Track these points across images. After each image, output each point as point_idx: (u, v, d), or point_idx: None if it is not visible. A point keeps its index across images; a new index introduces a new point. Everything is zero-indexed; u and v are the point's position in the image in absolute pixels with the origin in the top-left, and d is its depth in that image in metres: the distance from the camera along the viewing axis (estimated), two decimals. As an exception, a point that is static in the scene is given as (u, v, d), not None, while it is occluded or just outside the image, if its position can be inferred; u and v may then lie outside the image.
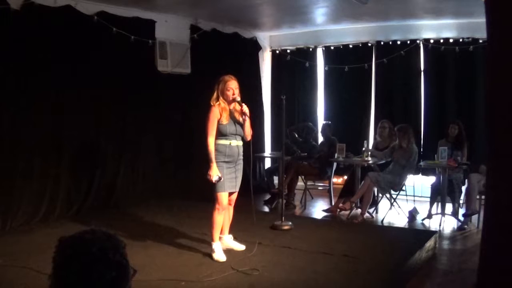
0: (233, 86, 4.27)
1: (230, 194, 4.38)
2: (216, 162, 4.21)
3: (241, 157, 4.40)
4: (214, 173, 4.17)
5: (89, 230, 1.35)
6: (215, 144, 4.23)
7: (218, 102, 4.25)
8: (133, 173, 6.58)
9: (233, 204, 4.51)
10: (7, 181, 5.12)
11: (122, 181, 6.40)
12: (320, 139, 7.80)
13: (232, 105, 4.33)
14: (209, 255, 4.30)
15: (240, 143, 4.37)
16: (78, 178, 5.90)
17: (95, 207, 5.99)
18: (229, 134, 4.26)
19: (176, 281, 3.72)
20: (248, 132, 4.39)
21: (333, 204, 6.83)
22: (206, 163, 4.26)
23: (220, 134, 4.24)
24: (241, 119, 4.33)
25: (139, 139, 6.62)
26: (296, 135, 7.20)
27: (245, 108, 4.28)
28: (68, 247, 1.29)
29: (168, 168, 7.05)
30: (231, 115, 4.31)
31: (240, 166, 4.40)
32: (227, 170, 4.26)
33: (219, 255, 4.25)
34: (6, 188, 5.10)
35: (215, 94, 4.28)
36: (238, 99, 4.28)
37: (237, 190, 4.43)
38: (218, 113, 4.23)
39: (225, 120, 4.24)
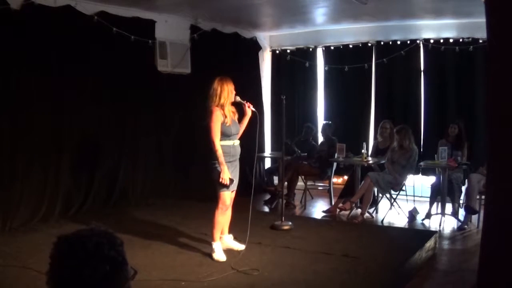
0: (233, 86, 4.32)
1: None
2: None
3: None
4: (227, 176, 4.18)
5: (88, 228, 1.38)
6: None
7: (220, 104, 4.24)
8: (133, 173, 6.57)
9: (231, 203, 4.51)
10: (7, 181, 5.12)
11: (122, 181, 6.40)
12: (320, 139, 7.80)
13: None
14: (209, 255, 4.30)
15: (239, 142, 4.41)
16: (78, 178, 5.90)
17: (95, 207, 5.98)
18: (232, 134, 4.30)
19: (176, 281, 3.72)
20: (242, 130, 4.47)
21: (333, 204, 6.83)
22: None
23: (224, 135, 4.26)
24: (236, 118, 4.40)
25: (139, 139, 6.61)
26: (296, 149, 7.18)
27: (251, 107, 4.37)
28: (65, 243, 1.31)
29: (168, 168, 7.04)
30: (231, 115, 4.34)
31: (238, 165, 4.43)
32: (229, 170, 4.27)
33: (219, 255, 4.25)
34: (6, 188, 5.10)
35: (218, 96, 4.23)
36: (238, 99, 4.36)
37: (235, 188, 4.44)
38: (221, 115, 4.23)
39: (229, 121, 4.26)
